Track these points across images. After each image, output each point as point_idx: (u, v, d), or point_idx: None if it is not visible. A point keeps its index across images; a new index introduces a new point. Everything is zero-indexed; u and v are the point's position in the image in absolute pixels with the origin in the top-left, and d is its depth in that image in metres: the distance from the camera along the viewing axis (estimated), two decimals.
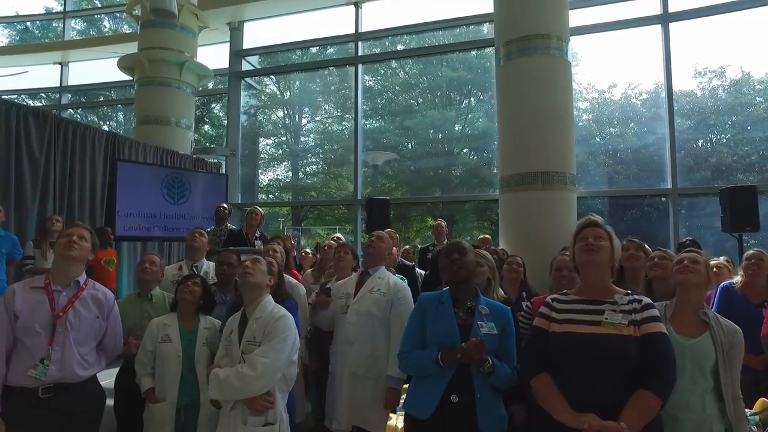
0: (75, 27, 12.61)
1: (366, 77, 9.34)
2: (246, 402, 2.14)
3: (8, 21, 12.62)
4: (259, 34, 9.54)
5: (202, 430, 2.70)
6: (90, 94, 11.73)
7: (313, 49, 9.67)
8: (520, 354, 2.20)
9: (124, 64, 8.55)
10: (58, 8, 12.83)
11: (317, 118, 10.55)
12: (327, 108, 10.43)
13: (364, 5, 8.59)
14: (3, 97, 5.73)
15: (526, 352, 2.00)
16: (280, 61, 9.91)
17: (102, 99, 11.82)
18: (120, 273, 6.62)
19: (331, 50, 9.64)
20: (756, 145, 7.54)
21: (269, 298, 2.37)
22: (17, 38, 12.94)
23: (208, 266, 3.82)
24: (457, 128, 9.39)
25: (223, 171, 8.73)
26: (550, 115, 6.06)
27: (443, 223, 6.33)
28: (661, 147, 7.52)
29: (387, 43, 9.01)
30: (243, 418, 2.15)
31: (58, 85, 11.37)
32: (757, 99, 7.63)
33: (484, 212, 9.19)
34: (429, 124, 9.32)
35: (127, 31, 11.94)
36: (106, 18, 12.48)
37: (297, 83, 10.52)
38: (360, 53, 8.62)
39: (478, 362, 2.04)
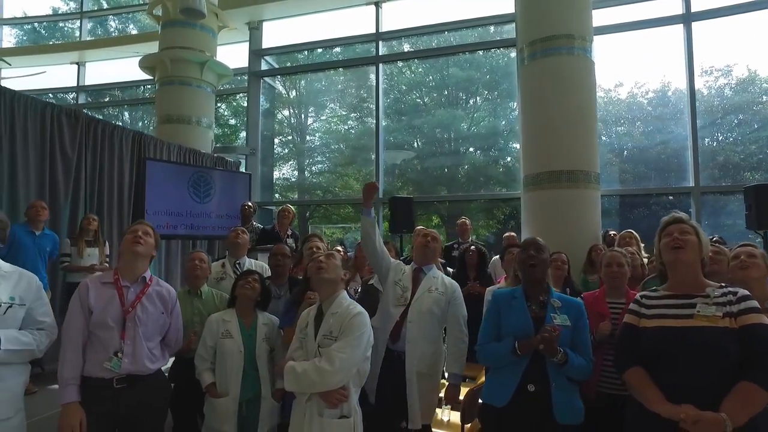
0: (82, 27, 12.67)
1: (372, 77, 9.39)
2: (321, 395, 2.19)
3: (23, 21, 12.67)
4: (277, 34, 9.60)
5: (264, 423, 2.77)
6: (96, 94, 11.77)
7: (319, 50, 9.70)
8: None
9: (146, 63, 8.60)
10: (64, 8, 12.92)
11: (323, 117, 10.56)
12: (333, 107, 10.44)
13: (385, 5, 8.63)
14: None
15: (617, 347, 2.04)
16: (287, 61, 9.92)
17: (108, 99, 11.83)
18: None
19: (337, 50, 9.67)
20: (763, 144, 7.56)
21: (344, 293, 2.42)
22: (25, 38, 12.99)
23: (250, 263, 3.87)
24: (463, 127, 9.38)
25: (242, 170, 8.78)
26: (576, 114, 6.10)
27: (467, 221, 6.38)
28: (669, 146, 7.57)
29: (394, 44, 9.04)
30: (319, 410, 2.20)
31: (69, 85, 11.42)
32: (764, 98, 7.66)
33: (490, 211, 9.22)
34: (436, 123, 9.34)
35: (134, 31, 12.02)
36: (113, 18, 12.47)
37: (302, 83, 10.53)
38: (381, 53, 8.67)
39: (551, 352, 2.10)
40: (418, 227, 5.32)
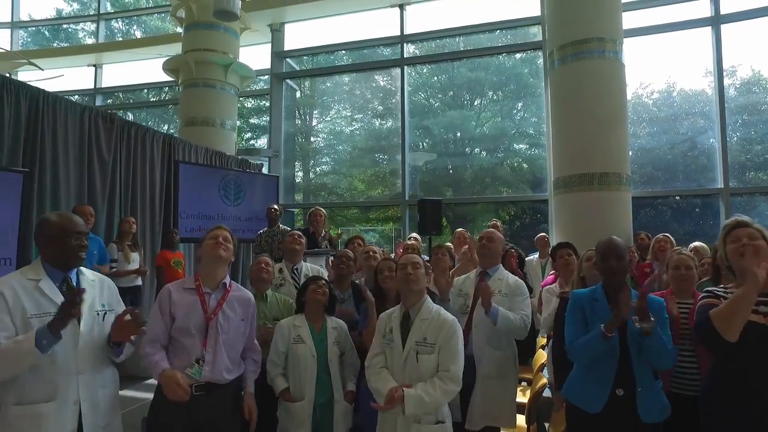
0: (85, 29, 12.67)
1: (377, 77, 9.39)
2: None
3: (39, 24, 12.67)
4: (298, 36, 9.61)
5: (338, 426, 2.78)
6: (103, 98, 11.76)
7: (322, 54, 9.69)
8: None
9: (169, 66, 8.61)
10: (68, 9, 12.92)
11: (327, 119, 10.51)
12: (338, 109, 10.40)
13: (409, 7, 8.65)
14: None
15: (696, 323, 2.08)
16: (296, 63, 9.92)
17: (110, 102, 11.82)
18: None
19: (341, 52, 9.65)
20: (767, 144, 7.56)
21: (429, 299, 2.44)
22: (29, 40, 12.99)
23: (307, 268, 3.88)
24: (472, 128, 9.30)
25: (265, 172, 8.79)
26: (607, 117, 6.14)
27: (499, 223, 6.39)
28: (677, 147, 7.67)
29: (403, 46, 8.98)
30: (415, 416, 2.21)
31: (80, 87, 11.44)
32: None
33: (495, 212, 9.21)
34: (444, 124, 9.29)
35: (138, 34, 12.01)
36: (120, 20, 12.41)
37: (306, 83, 10.48)
38: (406, 55, 8.70)
39: (644, 318, 2.10)
40: (459, 230, 5.34)
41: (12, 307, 1.88)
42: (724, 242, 2.03)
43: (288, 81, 9.67)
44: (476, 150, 9.28)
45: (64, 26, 12.76)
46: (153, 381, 2.42)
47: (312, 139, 10.57)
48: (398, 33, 8.73)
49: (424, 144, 9.43)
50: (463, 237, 5.25)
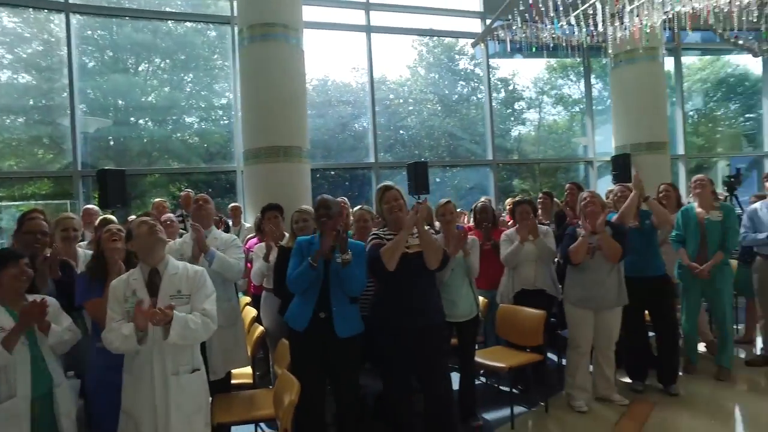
0: None
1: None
2: None
3: None
4: None
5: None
6: None
7: None
8: None
9: None
10: None
11: None
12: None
13: None
14: None
15: None
16: None
17: None
18: None
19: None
20: None
21: (172, 259, 2.49)
22: None
23: None
24: (138, 95, 8.61)
25: None
26: (290, 96, 6.84)
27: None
28: (334, 128, 9.36)
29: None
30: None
31: None
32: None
33: (166, 186, 8.70)
34: (101, 88, 8.24)
35: None
36: None
37: None
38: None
39: (344, 251, 2.67)
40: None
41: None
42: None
43: None
44: (142, 120, 8.50)
45: None
46: None
47: None
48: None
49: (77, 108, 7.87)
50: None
